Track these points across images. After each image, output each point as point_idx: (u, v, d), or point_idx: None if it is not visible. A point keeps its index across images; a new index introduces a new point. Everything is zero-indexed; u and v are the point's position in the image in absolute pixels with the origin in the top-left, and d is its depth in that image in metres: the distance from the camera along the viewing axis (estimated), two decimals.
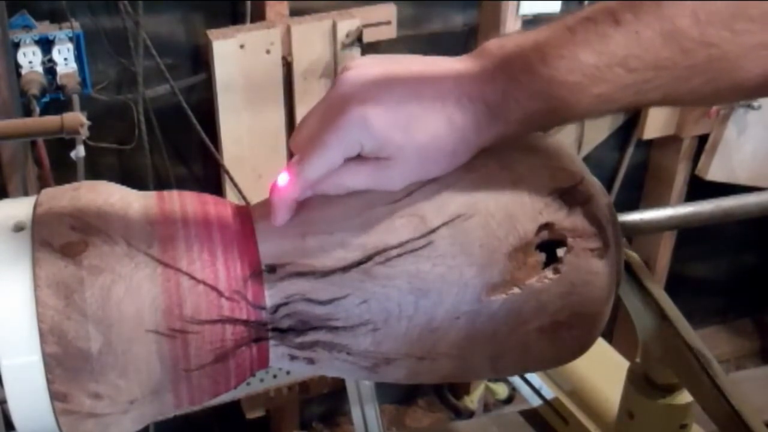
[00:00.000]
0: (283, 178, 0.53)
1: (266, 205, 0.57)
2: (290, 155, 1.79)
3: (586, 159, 2.10)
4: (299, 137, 0.54)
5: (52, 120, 1.20)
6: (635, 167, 2.28)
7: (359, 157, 0.53)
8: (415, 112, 0.51)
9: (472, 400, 2.24)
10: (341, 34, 1.70)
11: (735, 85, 0.51)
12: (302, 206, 0.56)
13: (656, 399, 0.73)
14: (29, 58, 1.53)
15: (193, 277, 0.51)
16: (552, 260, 0.56)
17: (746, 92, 0.53)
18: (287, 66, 1.71)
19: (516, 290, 0.54)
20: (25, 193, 1.55)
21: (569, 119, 0.54)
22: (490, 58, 0.53)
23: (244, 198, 1.72)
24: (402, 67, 0.54)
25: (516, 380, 1.15)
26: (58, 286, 0.49)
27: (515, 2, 1.81)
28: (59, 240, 0.50)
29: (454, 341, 0.55)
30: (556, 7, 1.86)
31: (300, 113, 1.75)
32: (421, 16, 1.87)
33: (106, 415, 0.51)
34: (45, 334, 0.48)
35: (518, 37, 0.53)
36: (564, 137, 2.05)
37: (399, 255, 0.53)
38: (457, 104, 0.52)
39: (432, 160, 0.53)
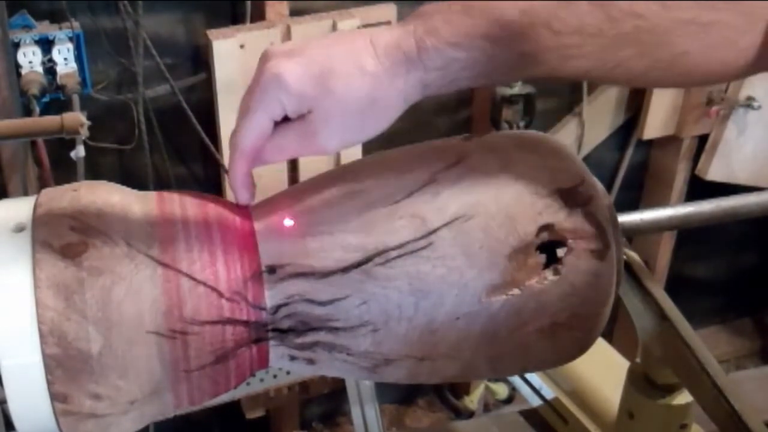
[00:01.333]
0: None
1: (266, 206, 0.57)
2: None
3: (586, 159, 2.10)
4: (237, 119, 0.56)
5: (52, 120, 1.19)
6: (635, 167, 2.28)
7: (289, 121, 0.53)
8: (328, 65, 0.52)
9: (472, 400, 2.24)
10: None
11: (668, 64, 0.51)
12: (302, 207, 0.56)
13: (656, 399, 0.73)
14: (29, 58, 1.52)
15: (193, 278, 0.51)
16: (552, 261, 0.56)
17: (683, 74, 0.52)
18: None
19: (516, 291, 0.54)
20: (25, 193, 1.55)
21: (491, 75, 0.53)
22: (418, 14, 0.54)
23: None
24: (320, 39, 0.55)
25: (516, 380, 1.15)
26: (59, 288, 0.49)
27: None
28: (59, 241, 0.50)
29: (454, 342, 0.55)
30: None
31: None
32: None
33: (106, 416, 0.51)
34: (45, 335, 0.48)
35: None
36: (564, 137, 2.05)
37: (399, 256, 0.53)
38: (369, 55, 0.52)
39: (353, 112, 0.53)
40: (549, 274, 0.55)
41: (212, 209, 0.56)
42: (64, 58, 1.55)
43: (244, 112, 0.54)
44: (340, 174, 0.59)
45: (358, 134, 0.54)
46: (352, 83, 0.52)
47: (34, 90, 1.51)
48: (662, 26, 0.49)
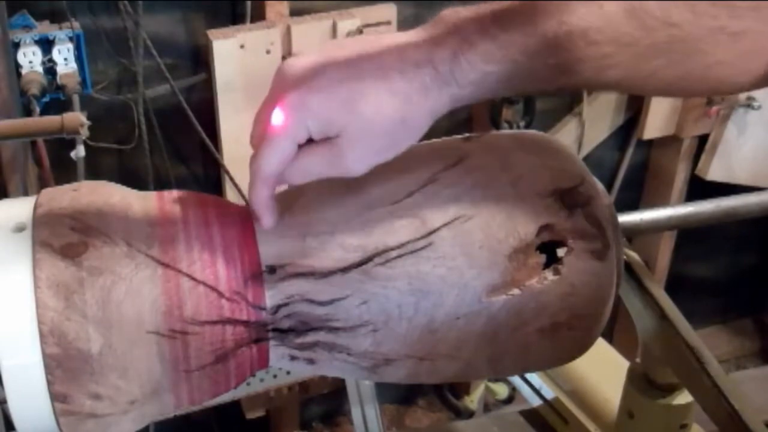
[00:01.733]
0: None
1: None
2: None
3: (586, 159, 2.10)
4: (254, 135, 0.54)
5: (52, 120, 1.20)
6: (635, 167, 2.28)
7: (314, 142, 0.52)
8: (355, 88, 0.51)
9: (472, 400, 2.24)
10: (341, 34, 1.70)
11: (699, 74, 0.51)
12: (302, 207, 0.56)
13: (656, 399, 0.73)
14: (29, 58, 1.53)
15: (193, 278, 0.51)
16: (552, 261, 0.56)
17: (713, 84, 0.52)
18: None
19: (516, 291, 0.54)
20: (25, 193, 1.55)
21: (524, 87, 0.53)
22: (443, 23, 0.52)
23: (244, 198, 1.72)
24: (342, 50, 0.53)
25: (516, 380, 1.15)
26: (59, 288, 0.49)
27: None
28: (59, 241, 0.50)
29: (454, 342, 0.55)
30: None
31: None
32: (421, 16, 1.87)
33: (106, 416, 0.51)
34: (45, 335, 0.48)
35: (476, 6, 0.52)
36: (564, 137, 2.05)
37: (399, 256, 0.53)
38: (400, 73, 0.51)
39: (382, 134, 0.51)
40: (549, 274, 0.55)
41: (212, 209, 0.56)
42: (64, 58, 1.55)
43: (267, 138, 0.52)
44: None
45: (385, 154, 0.53)
46: (381, 105, 0.51)
47: (34, 90, 1.51)
48: (694, 35, 0.49)
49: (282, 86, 0.52)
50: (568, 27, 0.49)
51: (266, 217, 0.54)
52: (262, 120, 0.53)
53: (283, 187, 0.56)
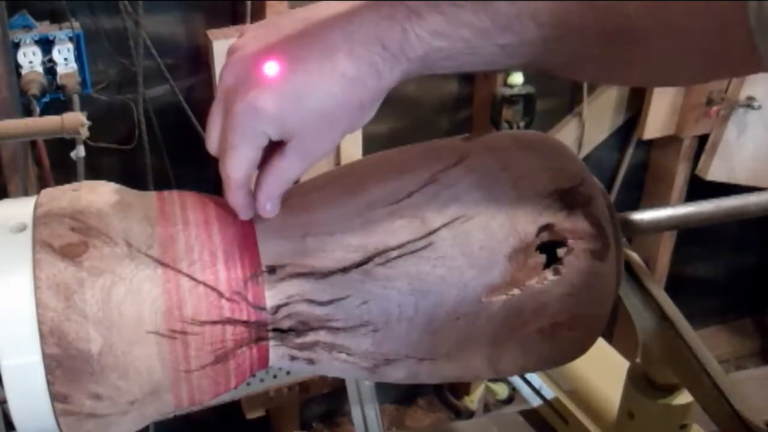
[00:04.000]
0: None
1: None
2: None
3: (586, 159, 2.10)
4: (210, 140, 0.54)
5: (52, 120, 1.20)
6: (635, 167, 2.28)
7: (279, 143, 0.51)
8: (303, 81, 0.49)
9: (472, 400, 2.24)
10: None
11: (637, 64, 0.51)
12: (302, 207, 0.56)
13: (656, 399, 0.73)
14: (29, 58, 1.53)
15: (193, 278, 0.51)
16: (552, 261, 0.56)
17: (650, 77, 0.52)
18: None
19: (516, 291, 0.54)
20: (25, 193, 1.55)
21: (470, 65, 0.52)
22: None
23: None
24: (282, 32, 0.52)
25: (516, 380, 1.15)
26: (59, 288, 0.49)
27: None
28: (59, 241, 0.50)
29: (454, 342, 0.55)
30: None
31: None
32: None
33: (106, 416, 0.51)
34: (45, 335, 0.48)
35: None
36: (564, 137, 2.05)
37: (399, 256, 0.53)
38: (348, 56, 0.49)
39: (339, 121, 0.51)
40: (549, 274, 0.55)
41: (212, 209, 0.56)
42: (65, 58, 1.55)
43: (228, 149, 0.51)
44: (341, 174, 0.59)
45: (348, 131, 0.52)
46: (333, 95, 0.50)
47: (34, 90, 1.51)
48: (643, 26, 0.48)
49: (230, 89, 0.51)
50: (519, 8, 0.49)
51: (246, 213, 0.54)
52: (215, 123, 0.53)
53: (290, 190, 0.56)
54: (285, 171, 0.53)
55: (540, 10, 0.49)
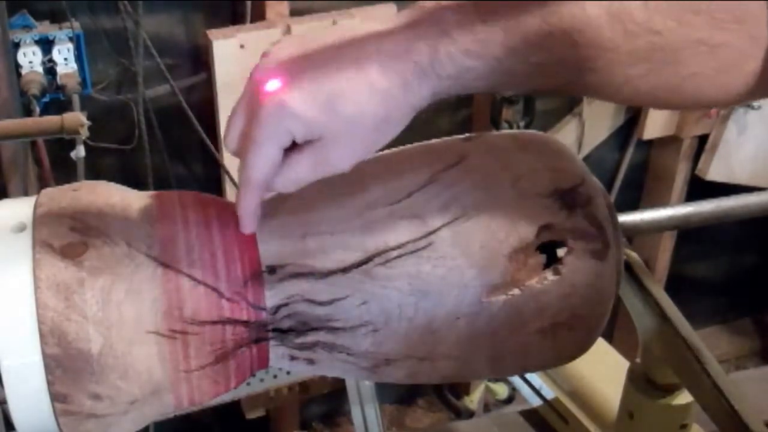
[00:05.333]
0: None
1: (266, 206, 0.57)
2: None
3: (586, 159, 2.10)
4: (229, 138, 0.53)
5: (52, 120, 1.19)
6: (635, 167, 2.28)
7: (298, 146, 0.51)
8: (335, 86, 0.49)
9: (472, 400, 2.24)
10: None
11: (672, 84, 0.50)
12: (302, 207, 0.56)
13: (656, 399, 0.73)
14: (29, 58, 1.53)
15: (193, 278, 0.51)
16: (552, 261, 0.56)
17: (688, 97, 0.51)
18: None
19: (516, 291, 0.54)
20: (25, 193, 1.55)
21: (502, 85, 0.51)
22: (422, 12, 0.50)
23: None
24: (318, 42, 0.51)
25: (516, 380, 1.15)
26: (59, 288, 0.49)
27: None
28: (59, 241, 0.50)
29: (454, 342, 0.55)
30: None
31: None
32: None
33: (106, 416, 0.51)
34: (45, 335, 0.48)
35: None
36: (564, 137, 2.05)
37: (399, 256, 0.53)
38: (379, 68, 0.49)
39: (365, 132, 0.50)
40: (549, 274, 0.55)
41: (212, 209, 0.56)
42: (64, 58, 1.55)
43: (250, 146, 0.50)
44: (341, 174, 0.59)
45: (370, 149, 0.51)
46: (362, 104, 0.49)
47: (34, 90, 1.51)
48: (675, 44, 0.48)
49: (259, 87, 0.51)
50: (550, 27, 0.48)
51: (250, 225, 0.54)
52: (237, 122, 0.52)
53: None
54: (295, 170, 0.51)
55: (571, 30, 0.48)
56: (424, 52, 0.49)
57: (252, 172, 0.51)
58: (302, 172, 0.51)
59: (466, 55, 0.49)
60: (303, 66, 0.50)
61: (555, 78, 0.51)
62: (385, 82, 0.49)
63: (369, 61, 0.49)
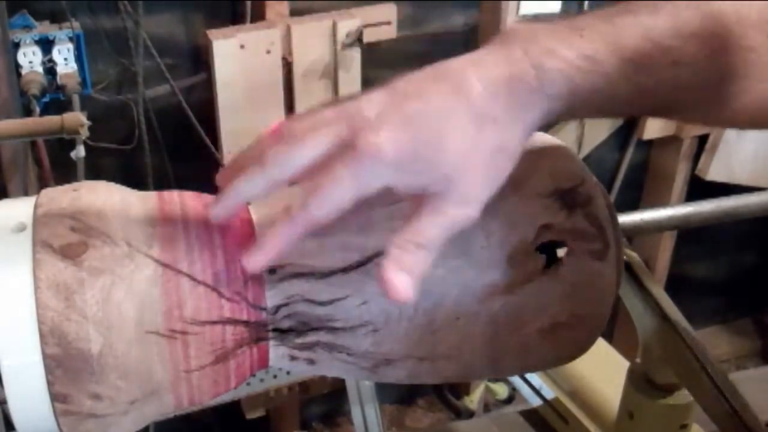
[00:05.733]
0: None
1: (266, 206, 0.57)
2: None
3: (586, 159, 2.10)
4: (297, 157, 0.46)
5: (52, 120, 1.20)
6: (635, 167, 2.28)
7: (416, 208, 0.45)
8: (437, 125, 0.44)
9: (472, 400, 2.24)
10: (341, 34, 1.70)
11: (759, 107, 0.48)
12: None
13: (656, 399, 0.73)
14: (29, 58, 1.53)
15: (193, 279, 0.51)
16: (552, 261, 0.56)
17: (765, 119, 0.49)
18: (287, 66, 1.71)
19: (516, 291, 0.54)
20: (25, 193, 1.55)
21: (609, 107, 0.48)
22: (515, 36, 0.47)
23: None
24: (411, 81, 0.47)
25: (516, 380, 1.15)
26: (59, 288, 0.49)
27: (515, 2, 1.81)
28: (59, 241, 0.50)
29: (454, 342, 0.55)
30: (556, 7, 1.86)
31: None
32: (421, 16, 1.87)
33: (106, 416, 0.51)
34: (45, 335, 0.48)
35: (545, 20, 0.48)
36: (564, 137, 2.05)
37: None
38: (483, 89, 0.45)
39: (480, 167, 0.45)
40: (549, 274, 0.55)
41: None
42: (64, 58, 1.55)
43: (330, 179, 0.44)
44: None
45: (492, 186, 0.46)
46: (470, 136, 0.44)
47: (34, 90, 1.51)
48: (765, 61, 0.47)
49: (348, 125, 0.44)
50: (650, 44, 0.46)
51: (269, 255, 0.48)
52: (316, 145, 0.45)
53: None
54: (420, 231, 0.45)
55: (671, 47, 0.46)
56: (529, 72, 0.45)
57: (317, 210, 0.45)
58: (428, 231, 0.45)
59: (574, 70, 0.46)
60: (397, 106, 0.45)
61: (655, 97, 0.48)
62: (490, 104, 0.45)
63: (471, 86, 0.45)
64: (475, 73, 0.45)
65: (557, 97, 0.46)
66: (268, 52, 1.66)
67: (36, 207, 0.53)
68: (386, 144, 0.43)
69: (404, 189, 0.45)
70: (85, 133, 1.20)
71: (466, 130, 0.44)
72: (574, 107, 0.47)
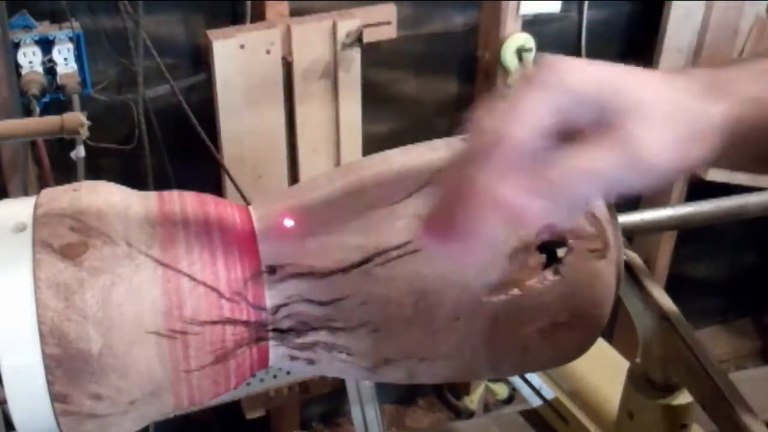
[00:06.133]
0: None
1: (266, 205, 0.57)
2: (290, 154, 1.77)
3: None
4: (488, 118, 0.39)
5: (52, 120, 1.19)
6: None
7: (586, 138, 0.38)
8: (620, 68, 0.39)
9: (472, 400, 2.24)
10: (341, 34, 1.70)
11: None
12: (302, 207, 0.56)
13: (656, 399, 0.73)
14: (29, 58, 1.53)
15: (193, 278, 0.51)
16: (552, 261, 0.55)
17: None
18: (287, 66, 1.71)
19: (516, 291, 0.54)
20: (25, 193, 1.55)
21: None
22: (692, 71, 0.43)
23: (244, 198, 1.72)
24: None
25: (516, 380, 1.15)
26: (59, 288, 0.49)
27: (515, 2, 1.82)
28: (59, 241, 0.50)
29: (454, 342, 0.55)
30: (556, 8, 1.86)
31: (300, 113, 1.75)
32: (421, 16, 1.87)
33: (106, 416, 0.51)
34: (45, 336, 0.48)
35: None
36: None
37: (399, 256, 0.53)
38: (663, 76, 0.41)
39: (673, 116, 0.38)
40: (549, 275, 0.55)
41: (212, 209, 0.56)
42: (64, 58, 1.55)
43: (514, 102, 0.38)
44: (341, 174, 0.59)
45: (684, 150, 0.39)
46: (660, 88, 0.39)
47: (34, 90, 1.51)
48: None
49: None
50: None
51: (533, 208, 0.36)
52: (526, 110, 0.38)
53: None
54: (597, 164, 0.37)
55: None
56: (707, 73, 0.42)
57: (513, 122, 0.37)
58: (601, 162, 0.37)
59: (754, 79, 0.42)
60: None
61: None
62: (676, 84, 0.41)
63: (653, 75, 0.41)
64: (652, 72, 0.42)
65: (744, 100, 0.42)
66: (268, 52, 1.66)
67: (36, 207, 0.53)
68: (573, 68, 0.39)
69: (586, 113, 0.38)
70: (85, 133, 1.20)
71: (656, 83, 0.40)
72: (758, 122, 0.42)
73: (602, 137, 0.37)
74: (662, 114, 0.38)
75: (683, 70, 0.43)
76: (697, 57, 2.02)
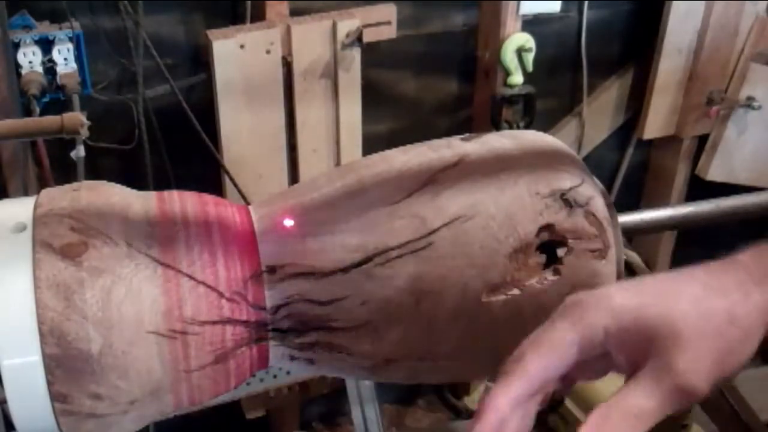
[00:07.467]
0: None
1: (266, 206, 0.57)
2: (290, 154, 1.76)
3: (586, 159, 2.10)
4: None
5: (52, 120, 1.19)
6: (635, 167, 2.27)
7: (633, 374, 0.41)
8: (666, 288, 0.42)
9: (472, 400, 2.24)
10: (341, 34, 1.70)
11: None
12: (302, 207, 0.56)
13: None
14: (29, 58, 1.52)
15: (193, 278, 0.51)
16: (552, 261, 0.55)
17: None
18: (287, 66, 1.71)
19: (516, 291, 0.54)
20: (25, 193, 1.55)
21: None
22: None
23: (244, 198, 1.72)
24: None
25: None
26: (59, 288, 0.49)
27: (515, 2, 1.81)
28: (59, 241, 0.50)
29: (454, 342, 0.55)
30: (555, 7, 1.86)
31: (300, 113, 1.75)
32: (421, 16, 1.87)
33: (106, 416, 0.51)
34: (45, 335, 0.48)
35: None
36: (564, 137, 2.05)
37: (399, 256, 0.53)
38: (705, 272, 0.44)
39: (710, 333, 0.41)
40: (549, 274, 0.55)
41: (212, 209, 0.55)
42: (64, 58, 1.55)
43: (540, 341, 0.42)
44: (341, 174, 0.59)
45: (723, 362, 0.41)
46: (698, 298, 0.41)
47: (34, 90, 1.51)
48: None
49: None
50: None
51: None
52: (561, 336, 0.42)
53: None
54: (637, 401, 0.40)
55: None
56: (746, 260, 0.45)
57: (529, 358, 0.42)
58: (643, 400, 0.40)
59: None
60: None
61: None
62: (716, 281, 0.43)
63: (693, 272, 0.44)
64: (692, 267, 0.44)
65: None
66: (268, 52, 1.66)
67: (36, 207, 0.53)
68: (612, 295, 0.42)
69: (618, 344, 0.42)
70: (85, 133, 1.20)
71: (694, 292, 0.42)
72: None
73: (641, 372, 0.40)
74: (694, 333, 0.40)
75: (729, 261, 0.44)
76: (697, 57, 2.02)
